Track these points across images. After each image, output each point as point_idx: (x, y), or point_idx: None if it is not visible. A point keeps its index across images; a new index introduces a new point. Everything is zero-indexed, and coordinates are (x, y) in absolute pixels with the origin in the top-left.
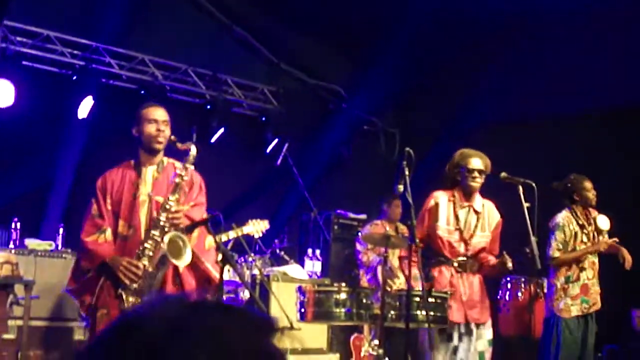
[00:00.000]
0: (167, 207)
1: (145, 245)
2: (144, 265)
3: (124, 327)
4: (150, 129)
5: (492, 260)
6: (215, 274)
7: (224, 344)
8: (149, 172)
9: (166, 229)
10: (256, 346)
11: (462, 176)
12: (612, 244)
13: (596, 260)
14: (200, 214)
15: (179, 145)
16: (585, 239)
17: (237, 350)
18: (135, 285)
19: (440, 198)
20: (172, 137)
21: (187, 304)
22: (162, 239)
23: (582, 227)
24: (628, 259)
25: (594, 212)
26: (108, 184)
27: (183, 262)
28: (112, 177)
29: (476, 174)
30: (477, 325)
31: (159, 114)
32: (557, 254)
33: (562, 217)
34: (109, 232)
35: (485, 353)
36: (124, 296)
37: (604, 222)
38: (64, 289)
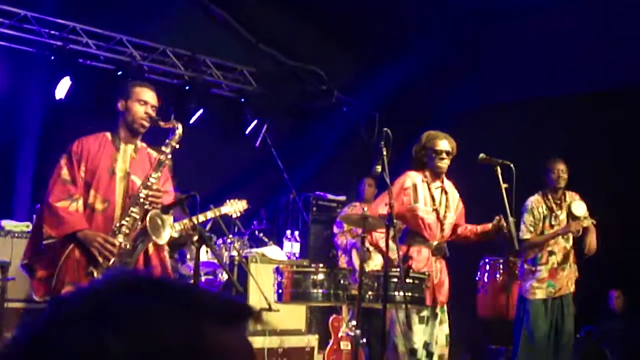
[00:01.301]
0: (149, 183)
1: (123, 222)
2: (120, 243)
3: (53, 303)
4: (139, 109)
5: (484, 226)
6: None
7: (146, 328)
8: (127, 149)
9: (146, 207)
10: (191, 337)
11: (430, 158)
12: (584, 227)
13: (569, 245)
14: (168, 200)
15: (161, 123)
16: (553, 222)
17: (160, 339)
18: (109, 263)
19: (416, 178)
20: (154, 115)
21: (128, 281)
22: (141, 216)
23: (550, 210)
24: (590, 247)
25: (571, 197)
26: (84, 150)
27: (162, 240)
28: (88, 145)
29: (444, 155)
30: (441, 308)
31: (150, 96)
32: (527, 236)
33: (532, 200)
34: (80, 202)
35: (448, 337)
36: (95, 274)
37: (578, 207)
38: (19, 264)
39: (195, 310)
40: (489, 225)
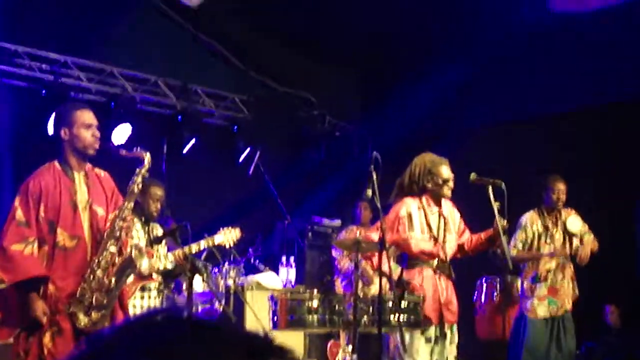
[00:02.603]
0: (124, 215)
1: (101, 257)
2: (99, 278)
3: (92, 338)
4: (87, 134)
5: (486, 232)
6: None
7: None
8: (80, 177)
9: (122, 239)
10: None
11: (435, 184)
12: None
13: (567, 262)
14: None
15: (123, 152)
16: (549, 240)
17: None
18: (92, 300)
19: (412, 206)
20: (113, 145)
21: (160, 319)
22: (118, 249)
23: (546, 228)
24: (582, 256)
25: (567, 214)
26: (42, 188)
27: (145, 270)
28: (44, 181)
29: (450, 183)
30: (450, 327)
31: (92, 117)
32: (513, 252)
33: (527, 216)
34: (36, 245)
35: (456, 358)
36: (77, 314)
37: (573, 224)
38: None
39: (224, 347)
40: (491, 230)
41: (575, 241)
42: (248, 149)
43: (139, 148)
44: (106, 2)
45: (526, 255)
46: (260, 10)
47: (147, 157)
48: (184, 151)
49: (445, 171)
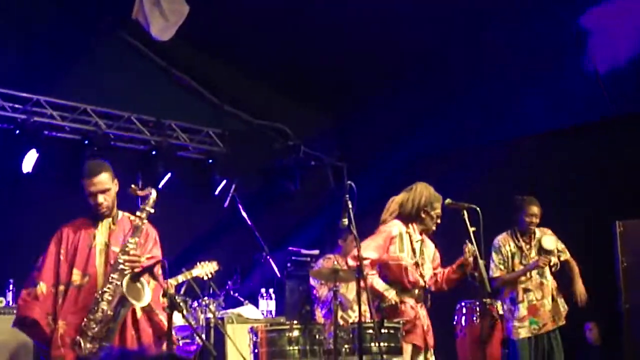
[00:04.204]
0: (127, 249)
1: (105, 289)
2: (103, 310)
3: None
4: (91, 202)
5: (458, 261)
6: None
7: None
8: (105, 223)
9: (126, 272)
10: None
11: (429, 218)
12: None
13: (546, 280)
14: (157, 267)
15: (139, 192)
16: (524, 261)
17: None
18: (94, 330)
19: (402, 228)
20: (133, 186)
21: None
22: (122, 281)
23: (520, 249)
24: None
25: (542, 232)
26: (64, 235)
27: (142, 303)
28: (68, 229)
29: (439, 220)
30: (431, 352)
31: (94, 185)
32: (497, 274)
33: (499, 238)
34: (40, 287)
35: None
36: (82, 343)
37: (548, 242)
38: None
39: None
40: (461, 258)
41: (554, 259)
42: (224, 182)
43: (148, 186)
44: (77, 40)
45: (508, 276)
46: (231, 45)
47: (153, 193)
48: (160, 186)
49: (439, 208)
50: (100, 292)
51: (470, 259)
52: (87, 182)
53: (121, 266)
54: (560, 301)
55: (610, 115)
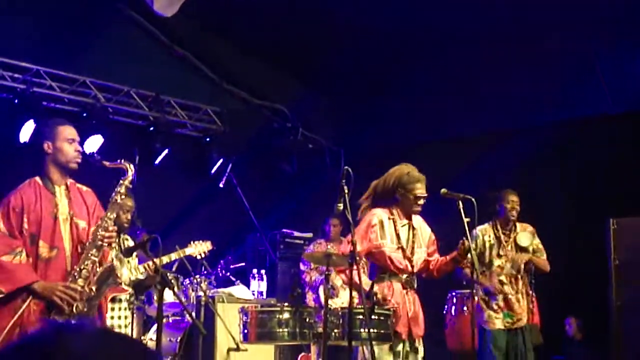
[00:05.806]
0: (106, 225)
1: (82, 266)
2: (81, 287)
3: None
4: (70, 149)
5: (452, 254)
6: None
7: None
8: (61, 190)
9: (104, 248)
10: None
11: (406, 199)
12: (524, 259)
13: (520, 276)
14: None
15: (106, 163)
16: (501, 252)
17: None
18: (72, 309)
19: (383, 216)
20: (96, 156)
21: (67, 330)
22: (99, 259)
23: (498, 239)
24: (540, 266)
25: (523, 228)
26: (24, 202)
27: (126, 280)
28: (26, 196)
29: (422, 200)
30: (419, 341)
31: (74, 133)
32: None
33: (480, 228)
34: (24, 254)
35: None
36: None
37: (524, 239)
38: None
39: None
40: (455, 252)
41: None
42: (220, 161)
43: (122, 160)
44: (80, 13)
45: (483, 279)
46: (234, 23)
47: (131, 168)
48: (156, 162)
49: (419, 189)
50: (78, 268)
51: (466, 255)
52: (69, 129)
53: (100, 242)
54: (529, 298)
55: (610, 113)
